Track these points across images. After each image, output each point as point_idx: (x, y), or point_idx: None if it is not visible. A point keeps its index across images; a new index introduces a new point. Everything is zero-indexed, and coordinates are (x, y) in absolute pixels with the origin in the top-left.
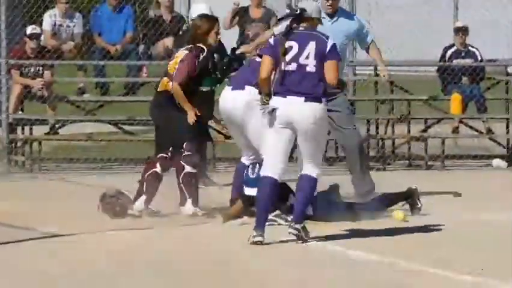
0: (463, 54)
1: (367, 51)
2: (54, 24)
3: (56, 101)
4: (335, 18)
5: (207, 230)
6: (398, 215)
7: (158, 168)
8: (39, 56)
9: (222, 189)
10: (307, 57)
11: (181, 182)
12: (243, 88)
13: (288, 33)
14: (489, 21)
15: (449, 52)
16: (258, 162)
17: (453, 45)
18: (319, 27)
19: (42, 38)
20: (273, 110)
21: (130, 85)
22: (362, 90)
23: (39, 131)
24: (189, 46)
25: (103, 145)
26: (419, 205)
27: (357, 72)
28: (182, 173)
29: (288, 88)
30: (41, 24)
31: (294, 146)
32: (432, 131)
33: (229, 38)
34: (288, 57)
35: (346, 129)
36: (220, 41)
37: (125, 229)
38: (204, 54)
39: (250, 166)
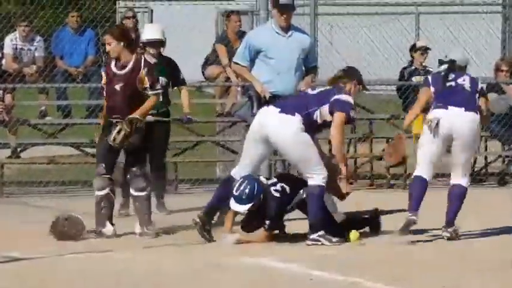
0: (421, 73)
1: (306, 72)
2: (16, 48)
3: (18, 124)
4: (289, 33)
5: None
6: (353, 236)
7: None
8: (0, 80)
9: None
10: (464, 80)
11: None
12: (293, 114)
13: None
14: (449, 39)
15: (407, 71)
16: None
17: (411, 64)
18: (274, 44)
19: (3, 62)
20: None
21: (92, 107)
22: None
23: (0, 154)
24: None
25: (65, 168)
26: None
27: None
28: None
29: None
30: (1, 48)
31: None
32: None
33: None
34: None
35: None
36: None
37: (94, 251)
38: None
39: (240, 181)
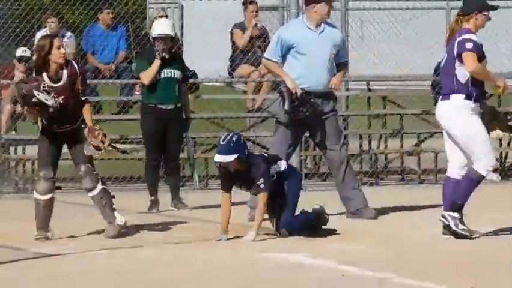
0: None
1: (337, 67)
2: None
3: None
4: (321, 29)
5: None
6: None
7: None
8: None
9: (191, 212)
10: None
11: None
12: (448, 97)
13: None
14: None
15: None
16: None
17: None
18: (305, 40)
19: (34, 58)
20: None
21: (123, 104)
22: (354, 105)
23: (32, 150)
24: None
25: (95, 163)
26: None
27: (349, 87)
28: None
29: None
30: (33, 45)
31: None
32: (425, 145)
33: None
34: None
35: (332, 149)
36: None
37: (123, 247)
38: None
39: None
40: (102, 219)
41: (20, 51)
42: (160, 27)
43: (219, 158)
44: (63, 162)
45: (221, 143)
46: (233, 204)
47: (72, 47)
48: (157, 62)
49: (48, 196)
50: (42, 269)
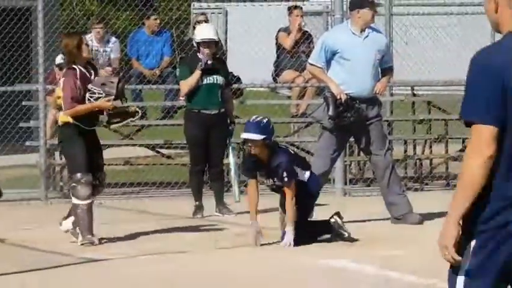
0: None
1: (381, 72)
2: (91, 49)
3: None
4: (365, 34)
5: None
6: None
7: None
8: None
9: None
10: None
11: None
12: None
13: None
14: None
15: None
16: None
17: None
18: (350, 45)
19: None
20: None
21: (167, 109)
22: (399, 110)
23: None
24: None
25: (140, 169)
26: (346, 234)
27: (394, 92)
28: (72, 204)
29: None
30: None
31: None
32: None
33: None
34: None
35: (377, 155)
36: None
37: (168, 252)
38: (79, 72)
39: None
40: (146, 225)
41: (59, 58)
42: (204, 31)
43: (246, 135)
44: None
45: (250, 121)
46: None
47: (117, 52)
48: (197, 73)
49: (90, 200)
50: (90, 274)
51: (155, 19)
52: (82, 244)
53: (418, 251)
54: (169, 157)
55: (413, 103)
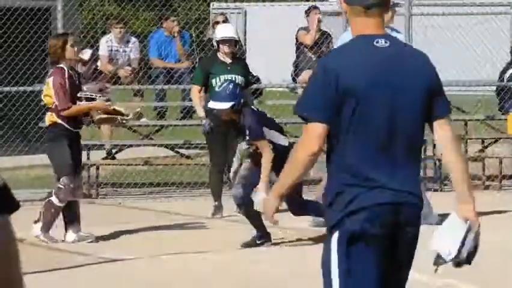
0: None
1: None
2: (111, 50)
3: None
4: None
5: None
6: None
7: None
8: (96, 81)
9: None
10: None
11: (43, 205)
12: None
13: None
14: None
15: (509, 72)
16: None
17: (510, 65)
18: None
19: (98, 63)
20: None
21: (186, 109)
22: None
23: (96, 156)
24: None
25: (159, 169)
26: None
27: None
28: (47, 199)
29: None
30: (97, 49)
31: None
32: (490, 150)
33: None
34: None
35: None
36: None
37: (187, 252)
38: (67, 72)
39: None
40: (166, 225)
41: (88, 54)
42: (224, 30)
43: (213, 104)
44: (114, 167)
45: (216, 90)
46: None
47: (136, 52)
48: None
49: (63, 204)
50: (110, 274)
51: (173, 21)
52: (37, 238)
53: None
54: (188, 157)
55: None
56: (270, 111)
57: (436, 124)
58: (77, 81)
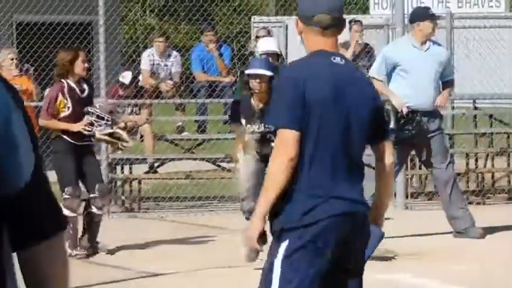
0: None
1: (442, 85)
2: (153, 64)
3: (156, 139)
4: (426, 47)
5: None
6: None
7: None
8: (138, 96)
9: None
10: None
11: None
12: None
13: None
14: None
15: None
16: None
17: None
18: (411, 58)
19: (140, 77)
20: None
21: (228, 123)
22: (460, 123)
23: (138, 170)
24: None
25: (201, 183)
26: None
27: (455, 105)
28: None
29: None
30: (139, 65)
31: None
32: None
33: None
34: None
35: (439, 168)
36: None
37: (230, 266)
38: (67, 86)
39: None
40: (207, 239)
41: (128, 77)
42: (266, 44)
43: (254, 70)
44: (156, 181)
45: (255, 58)
46: None
47: (178, 66)
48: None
49: (75, 214)
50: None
51: (206, 36)
52: (70, 256)
53: (480, 266)
54: (229, 171)
55: (475, 116)
56: None
57: (377, 147)
58: (86, 95)
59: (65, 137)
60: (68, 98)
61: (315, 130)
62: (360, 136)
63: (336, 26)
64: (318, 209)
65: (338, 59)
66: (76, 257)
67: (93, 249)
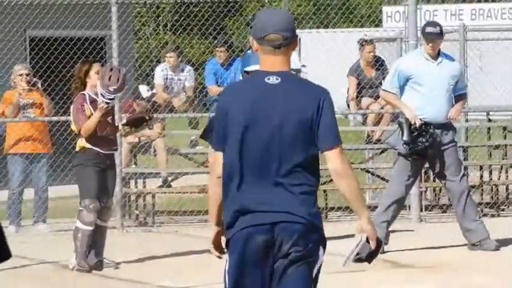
0: None
1: (455, 98)
2: (166, 78)
3: (169, 153)
4: (439, 60)
5: None
6: None
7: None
8: (151, 110)
9: None
10: None
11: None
12: None
13: None
14: None
15: None
16: None
17: None
18: (424, 71)
19: (154, 91)
20: None
21: None
22: (474, 135)
23: (152, 184)
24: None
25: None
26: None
27: (469, 117)
28: (75, 226)
29: None
30: (152, 79)
31: None
32: None
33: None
34: None
35: (453, 180)
36: None
37: None
38: (88, 97)
39: None
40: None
41: (145, 91)
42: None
43: (255, 67)
44: (170, 195)
45: (249, 53)
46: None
47: (191, 80)
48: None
49: (91, 228)
50: None
51: (224, 50)
52: (74, 269)
53: (495, 278)
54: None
55: (489, 128)
56: None
57: (325, 155)
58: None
59: (93, 148)
60: (91, 108)
61: (236, 149)
62: (291, 150)
63: (287, 44)
64: (240, 220)
65: (273, 79)
66: (78, 271)
67: (100, 263)
